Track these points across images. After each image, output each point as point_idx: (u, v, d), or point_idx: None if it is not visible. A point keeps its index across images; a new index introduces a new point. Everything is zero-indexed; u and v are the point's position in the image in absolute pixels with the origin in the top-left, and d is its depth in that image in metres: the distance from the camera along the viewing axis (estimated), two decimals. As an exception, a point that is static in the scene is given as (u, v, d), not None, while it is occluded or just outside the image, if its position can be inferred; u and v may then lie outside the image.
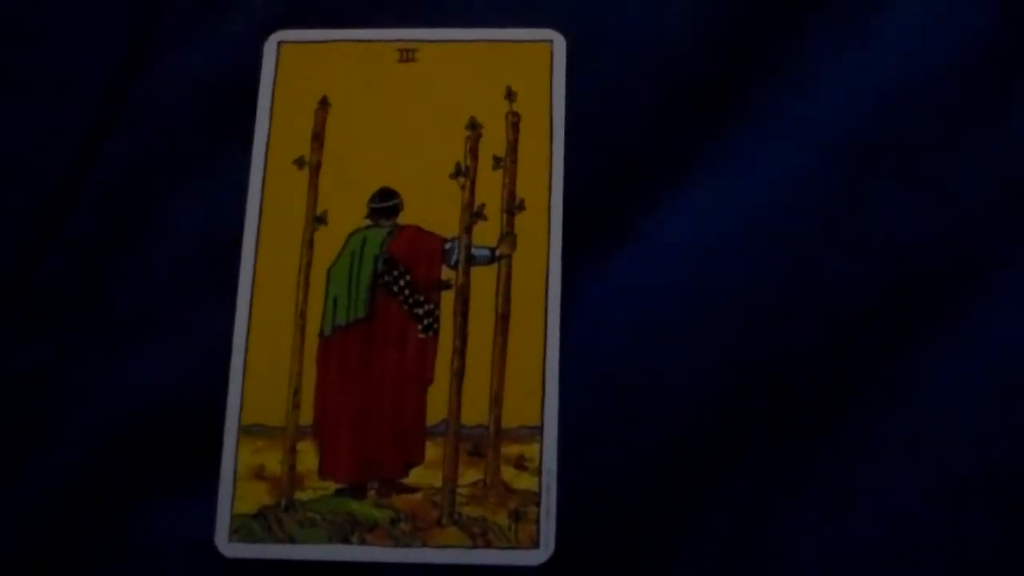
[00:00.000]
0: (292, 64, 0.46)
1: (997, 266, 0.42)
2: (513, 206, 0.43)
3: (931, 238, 0.43)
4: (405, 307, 0.43)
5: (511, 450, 0.41)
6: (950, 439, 0.41)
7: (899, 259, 0.43)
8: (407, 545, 0.40)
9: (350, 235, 0.43)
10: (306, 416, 0.42)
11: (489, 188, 0.44)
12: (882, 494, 0.40)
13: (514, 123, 0.44)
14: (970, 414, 0.41)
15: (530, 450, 0.41)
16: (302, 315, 0.42)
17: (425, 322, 0.42)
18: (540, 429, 0.41)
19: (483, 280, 0.43)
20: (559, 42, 0.45)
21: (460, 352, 0.42)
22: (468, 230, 0.43)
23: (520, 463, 0.41)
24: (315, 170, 0.44)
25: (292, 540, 0.40)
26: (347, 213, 0.43)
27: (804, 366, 0.41)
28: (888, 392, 0.41)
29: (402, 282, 0.43)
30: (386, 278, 0.43)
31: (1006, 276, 0.42)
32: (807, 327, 0.42)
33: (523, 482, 0.41)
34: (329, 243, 0.43)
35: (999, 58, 0.45)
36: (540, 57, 0.45)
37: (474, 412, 0.41)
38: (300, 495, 0.41)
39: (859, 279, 0.42)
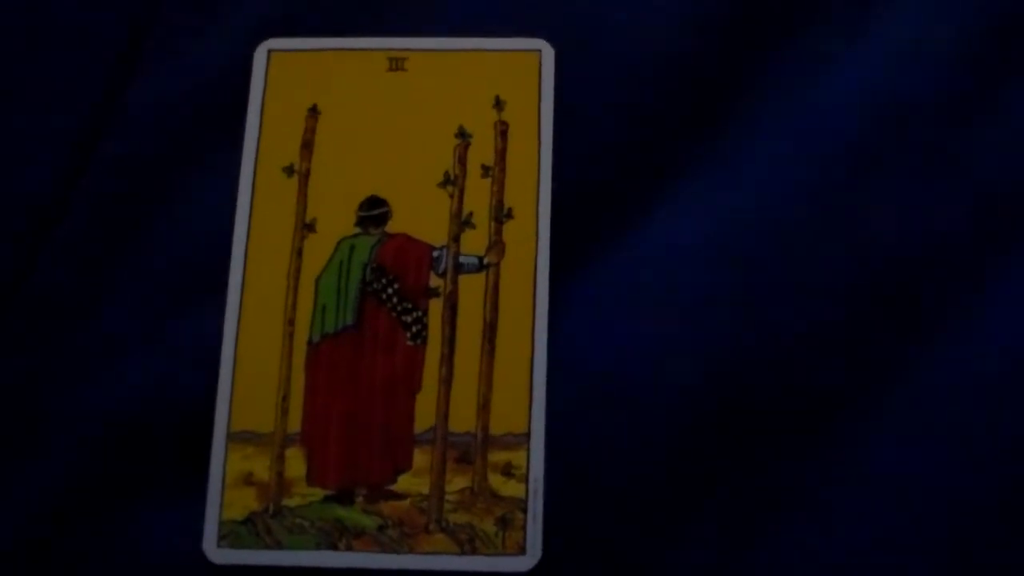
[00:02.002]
0: (282, 72, 0.46)
1: (996, 266, 0.42)
2: (501, 214, 0.44)
3: (928, 239, 0.43)
4: (393, 315, 0.43)
5: (498, 457, 0.41)
6: (950, 440, 0.40)
7: (895, 261, 0.43)
8: (394, 551, 0.40)
9: (339, 243, 0.43)
10: (294, 423, 0.42)
11: (477, 196, 0.44)
12: (877, 500, 0.40)
13: (502, 132, 0.44)
14: (969, 417, 0.41)
15: (517, 457, 0.41)
16: (291, 322, 0.43)
17: (413, 330, 0.42)
18: (527, 436, 0.41)
19: (471, 288, 0.43)
20: (547, 51, 0.45)
21: (448, 359, 0.42)
22: (456, 238, 0.43)
23: (507, 470, 0.41)
24: (304, 178, 0.44)
25: (280, 546, 0.40)
26: (336, 221, 0.44)
27: (795, 373, 0.41)
28: (883, 396, 0.41)
29: (390, 290, 0.43)
30: (374, 286, 0.43)
31: (1005, 276, 0.42)
32: (797, 333, 0.42)
33: (510, 489, 0.41)
34: (318, 251, 0.43)
35: (995, 57, 0.45)
36: (528, 66, 0.45)
37: (462, 419, 0.41)
38: (288, 501, 0.41)
39: (853, 282, 0.42)
